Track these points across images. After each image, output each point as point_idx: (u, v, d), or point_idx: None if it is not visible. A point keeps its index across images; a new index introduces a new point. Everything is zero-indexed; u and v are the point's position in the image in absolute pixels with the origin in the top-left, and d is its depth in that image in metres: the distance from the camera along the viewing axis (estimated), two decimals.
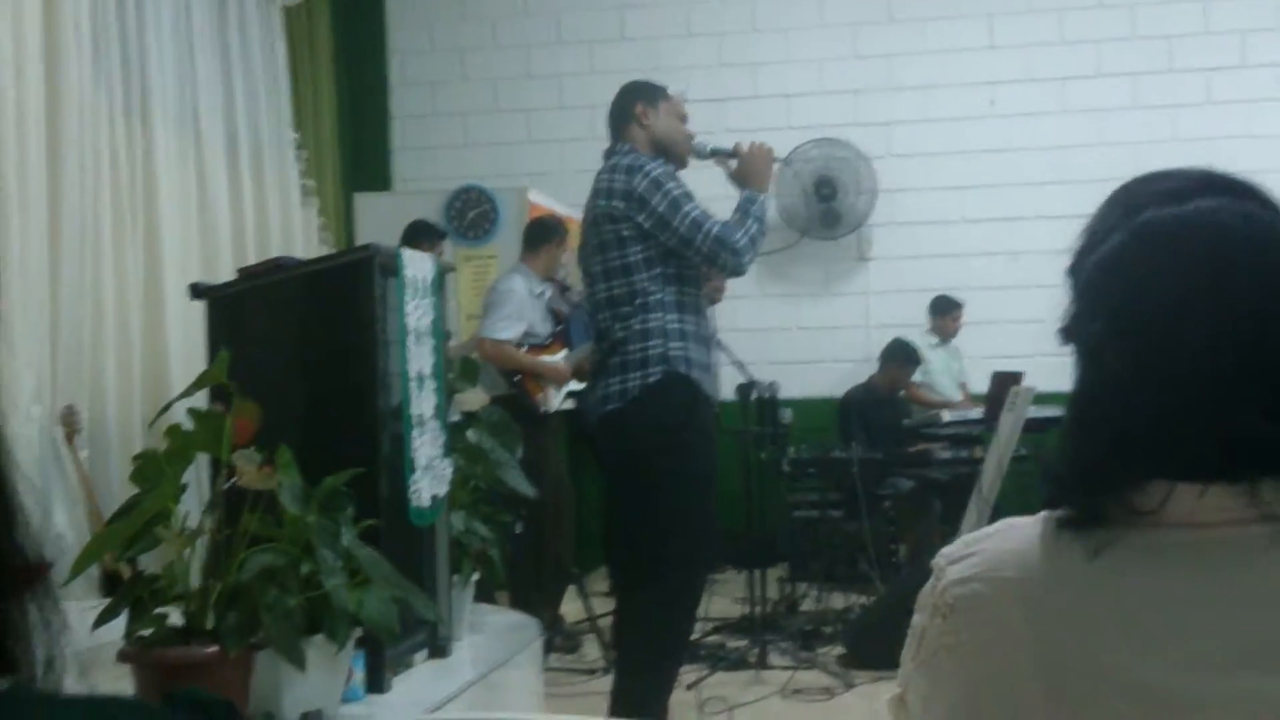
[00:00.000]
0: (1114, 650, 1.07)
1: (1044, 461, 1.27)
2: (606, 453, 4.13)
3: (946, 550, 1.20)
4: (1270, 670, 1.04)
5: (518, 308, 6.25)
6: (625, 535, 4.07)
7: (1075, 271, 1.20)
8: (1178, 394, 1.08)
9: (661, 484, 3.92)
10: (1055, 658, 1.09)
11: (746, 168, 4.18)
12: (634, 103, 4.15)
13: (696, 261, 3.98)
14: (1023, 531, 1.17)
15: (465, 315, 7.56)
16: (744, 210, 4.07)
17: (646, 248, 3.95)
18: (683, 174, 4.12)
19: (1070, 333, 1.19)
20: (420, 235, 6.46)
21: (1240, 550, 1.07)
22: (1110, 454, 1.11)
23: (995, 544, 1.17)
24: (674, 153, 4.16)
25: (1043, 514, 1.17)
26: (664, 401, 3.92)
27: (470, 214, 7.89)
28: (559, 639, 6.27)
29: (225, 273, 6.16)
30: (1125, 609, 1.08)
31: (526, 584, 6.17)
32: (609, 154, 4.13)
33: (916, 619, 1.21)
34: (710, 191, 4.35)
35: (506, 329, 6.20)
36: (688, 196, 3.97)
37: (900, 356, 8.02)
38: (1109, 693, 1.07)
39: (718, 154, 4.26)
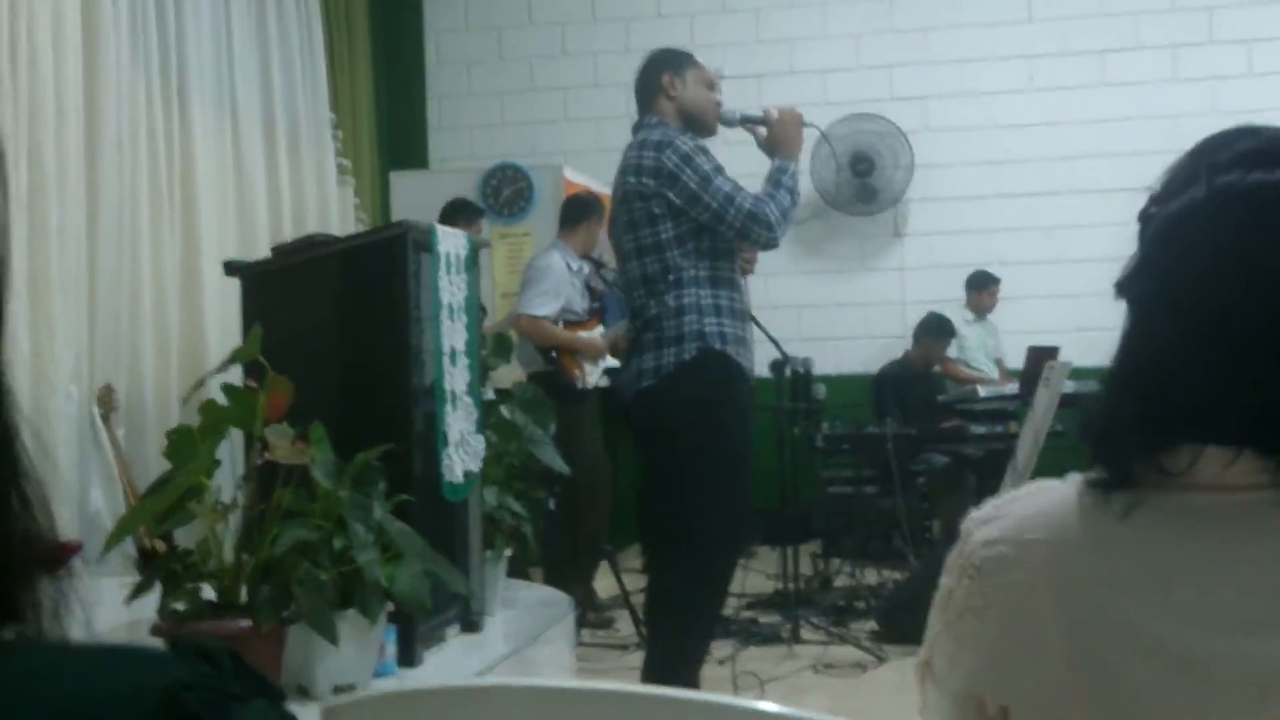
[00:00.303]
0: (1138, 611, 1.08)
1: (1084, 415, 1.27)
2: (641, 429, 4.11)
3: (975, 513, 1.21)
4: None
5: (555, 284, 6.27)
6: (658, 512, 4.04)
7: (1145, 219, 1.18)
8: (1221, 360, 1.08)
9: (695, 461, 3.89)
10: (1080, 619, 1.10)
11: (776, 135, 4.11)
12: (660, 73, 4.08)
13: (729, 237, 3.94)
14: (1051, 494, 1.18)
15: (500, 293, 7.58)
16: (775, 181, 4.02)
17: (678, 224, 3.91)
18: (714, 148, 4.09)
19: (1124, 287, 1.17)
20: (458, 213, 6.49)
21: (1265, 515, 1.08)
22: (1144, 412, 1.11)
23: (1024, 506, 1.18)
24: (702, 122, 4.10)
25: (1072, 476, 1.18)
26: (699, 378, 3.89)
27: (505, 192, 7.90)
28: (592, 615, 6.30)
29: (261, 252, 6.16)
30: (1151, 570, 1.09)
31: (561, 560, 6.20)
32: (637, 127, 4.09)
33: (944, 581, 1.22)
34: (743, 169, 4.32)
35: (544, 305, 6.22)
36: (718, 171, 3.92)
37: (934, 330, 8.01)
38: (1132, 653, 1.07)
39: (748, 121, 4.18)
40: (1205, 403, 1.08)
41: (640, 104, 4.13)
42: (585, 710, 1.22)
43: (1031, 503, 1.18)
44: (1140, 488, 1.11)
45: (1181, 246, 1.12)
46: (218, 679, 0.73)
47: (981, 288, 8.39)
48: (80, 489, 5.22)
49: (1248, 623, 1.06)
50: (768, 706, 1.18)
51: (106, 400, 5.36)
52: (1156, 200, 1.18)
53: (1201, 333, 1.09)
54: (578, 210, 6.53)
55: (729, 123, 4.17)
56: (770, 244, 4.00)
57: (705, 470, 3.89)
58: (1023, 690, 1.14)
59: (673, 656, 3.90)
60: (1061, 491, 1.17)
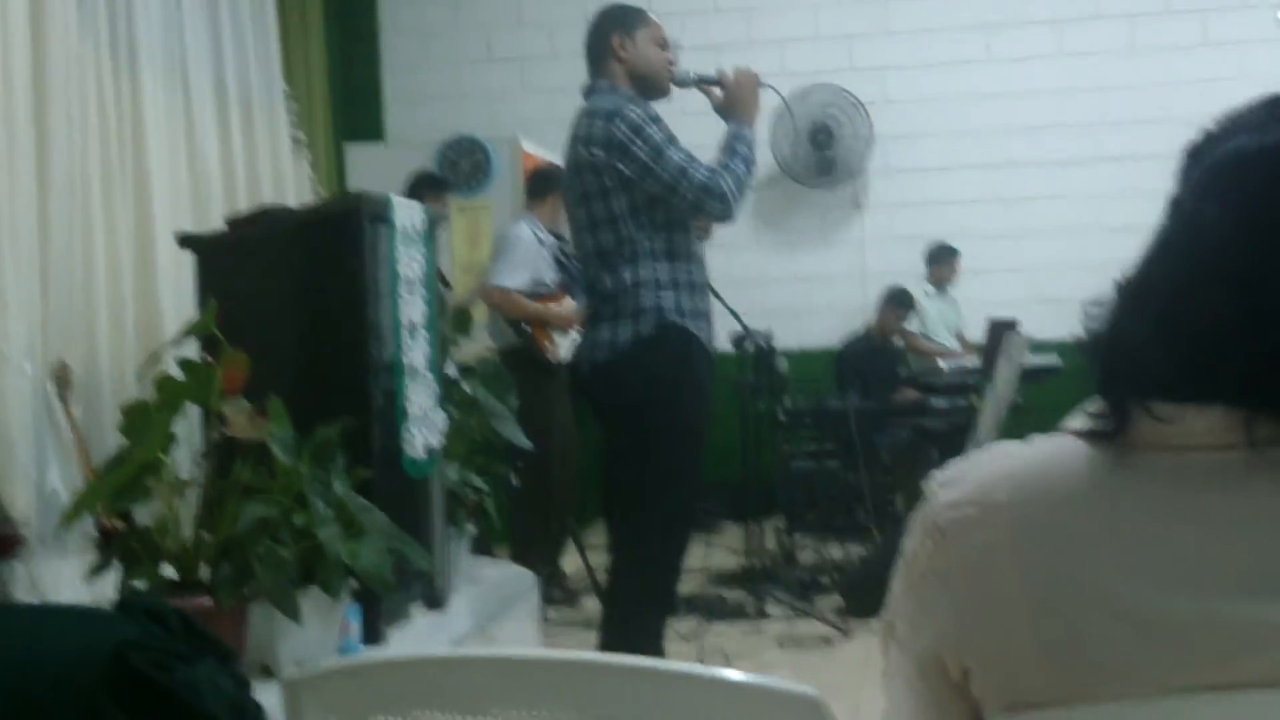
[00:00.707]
0: (1102, 573, 1.07)
1: (1092, 329, 1.25)
2: (598, 404, 4.03)
3: (938, 474, 1.20)
4: (1257, 595, 1.03)
5: (524, 256, 6.24)
6: (615, 486, 3.96)
7: (1199, 154, 1.14)
8: (1234, 309, 1.06)
9: (652, 437, 3.80)
10: (1043, 580, 1.08)
11: (732, 97, 3.96)
12: (610, 34, 3.93)
13: (683, 210, 3.83)
14: (1015, 456, 1.16)
15: (460, 266, 7.52)
16: (730, 149, 3.88)
17: (631, 196, 3.79)
18: (667, 112, 3.99)
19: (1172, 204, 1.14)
20: (424, 186, 6.45)
21: (1233, 476, 1.06)
22: (1156, 334, 1.09)
23: (987, 468, 1.16)
24: (655, 84, 3.96)
25: (1035, 439, 1.17)
26: (656, 353, 3.79)
27: (463, 164, 7.84)
28: (557, 592, 6.27)
29: (216, 224, 6.03)
30: (1115, 532, 1.08)
31: (530, 536, 6.17)
32: (587, 92, 3.97)
33: (907, 543, 1.20)
34: (699, 139, 4.23)
35: (514, 277, 6.19)
36: (670, 141, 3.79)
37: (893, 300, 8.07)
38: (1096, 615, 1.06)
39: (702, 82, 4.01)
40: (1187, 357, 1.07)
41: (590, 66, 3.99)
42: (547, 680, 1.19)
43: (995, 465, 1.16)
44: (1113, 447, 1.10)
45: (1228, 187, 1.09)
46: (164, 638, 0.71)
47: (941, 261, 8.40)
48: (37, 468, 5.13)
49: (1212, 584, 1.04)
50: (730, 674, 1.16)
51: (62, 377, 5.26)
52: (1217, 138, 1.14)
53: (1221, 276, 1.07)
54: (544, 183, 6.48)
55: (682, 83, 4.01)
56: (725, 217, 3.89)
57: (661, 446, 3.80)
58: (985, 652, 1.12)
59: (631, 631, 3.84)
60: (1025, 453, 1.16)
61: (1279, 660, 1.03)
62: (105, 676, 0.67)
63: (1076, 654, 1.07)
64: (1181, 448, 1.08)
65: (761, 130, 6.99)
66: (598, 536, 6.80)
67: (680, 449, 3.83)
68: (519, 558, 5.80)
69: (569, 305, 6.28)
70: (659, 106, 3.97)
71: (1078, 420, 1.17)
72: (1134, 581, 1.06)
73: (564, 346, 6.24)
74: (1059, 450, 1.15)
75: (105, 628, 0.70)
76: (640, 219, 3.81)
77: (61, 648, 0.68)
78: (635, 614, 3.88)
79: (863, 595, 5.52)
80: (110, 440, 5.18)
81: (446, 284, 6.51)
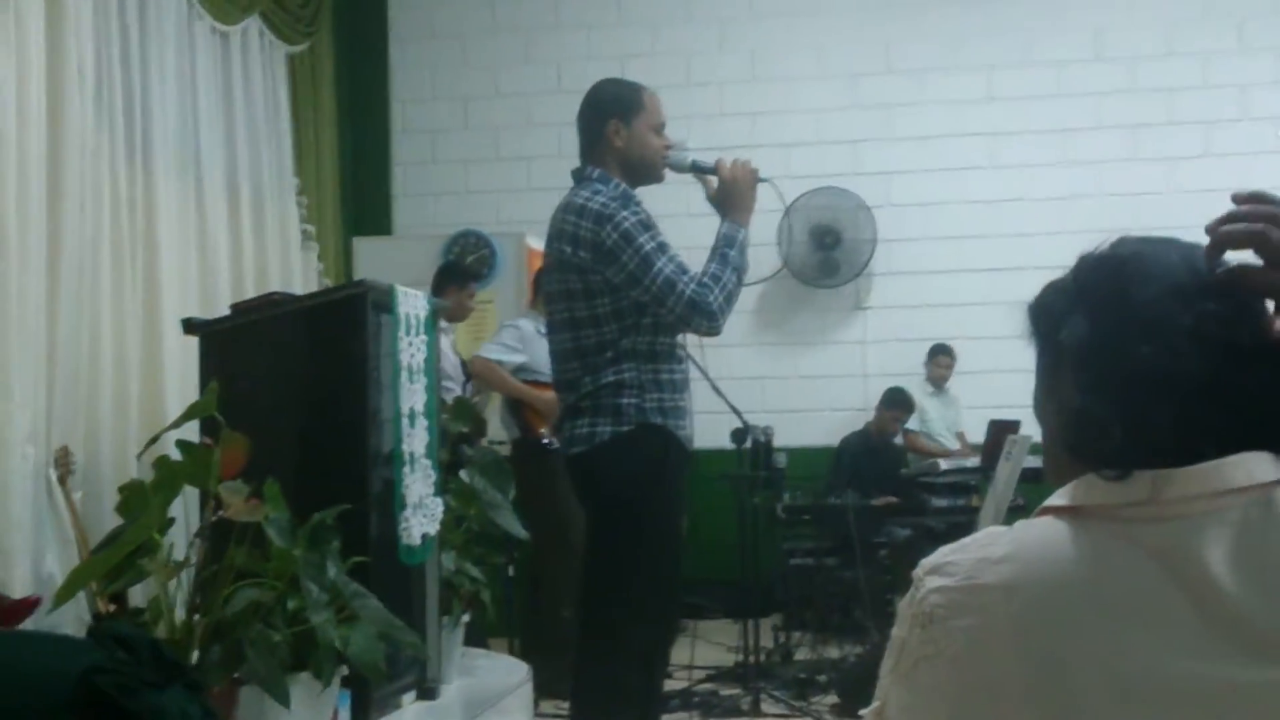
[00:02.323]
0: (1098, 646, 1.09)
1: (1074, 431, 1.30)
2: (577, 495, 3.91)
3: (925, 561, 1.21)
4: (1257, 656, 1.06)
5: (519, 339, 6.32)
6: (587, 578, 3.84)
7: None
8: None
9: (621, 536, 3.69)
10: (1038, 660, 1.10)
11: (727, 189, 3.82)
12: (606, 120, 3.81)
13: (669, 320, 3.70)
14: (1001, 539, 1.18)
15: (464, 360, 7.56)
16: (722, 256, 3.75)
17: (615, 300, 3.67)
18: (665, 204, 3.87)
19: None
20: (450, 277, 6.58)
21: (1215, 535, 1.10)
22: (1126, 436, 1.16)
23: (972, 553, 1.18)
24: (648, 173, 3.86)
25: (1020, 523, 1.20)
26: (634, 452, 3.66)
27: (469, 259, 7.91)
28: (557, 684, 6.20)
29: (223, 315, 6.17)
30: (1107, 604, 1.10)
31: (533, 626, 6.13)
32: (577, 176, 3.86)
33: (896, 631, 1.21)
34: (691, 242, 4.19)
35: (500, 353, 6.29)
36: (660, 250, 3.67)
37: (890, 403, 8.12)
38: (1095, 691, 1.08)
39: (698, 169, 3.87)
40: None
41: (583, 147, 3.88)
42: None
43: (980, 548, 1.18)
44: (1094, 518, 1.15)
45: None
46: (132, 665, 0.73)
47: (931, 359, 8.48)
48: (35, 551, 5.13)
49: (1210, 649, 1.07)
50: None
51: (63, 462, 5.29)
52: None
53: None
54: (540, 278, 6.56)
55: (678, 168, 3.88)
56: (711, 333, 3.74)
57: (632, 545, 3.69)
58: None
59: None
60: (1010, 536, 1.18)
61: None
62: (73, 700, 0.69)
63: None
64: (1162, 517, 1.12)
65: (769, 230, 7.06)
66: None
67: (654, 546, 3.71)
68: (523, 649, 5.77)
69: None
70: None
71: (1057, 499, 1.20)
72: (1131, 653, 1.08)
73: None
74: (1043, 531, 1.17)
75: (74, 652, 0.72)
76: (625, 322, 3.68)
77: (30, 670, 0.70)
78: (599, 711, 3.70)
79: (860, 693, 5.47)
80: (109, 524, 5.18)
81: (468, 376, 6.55)
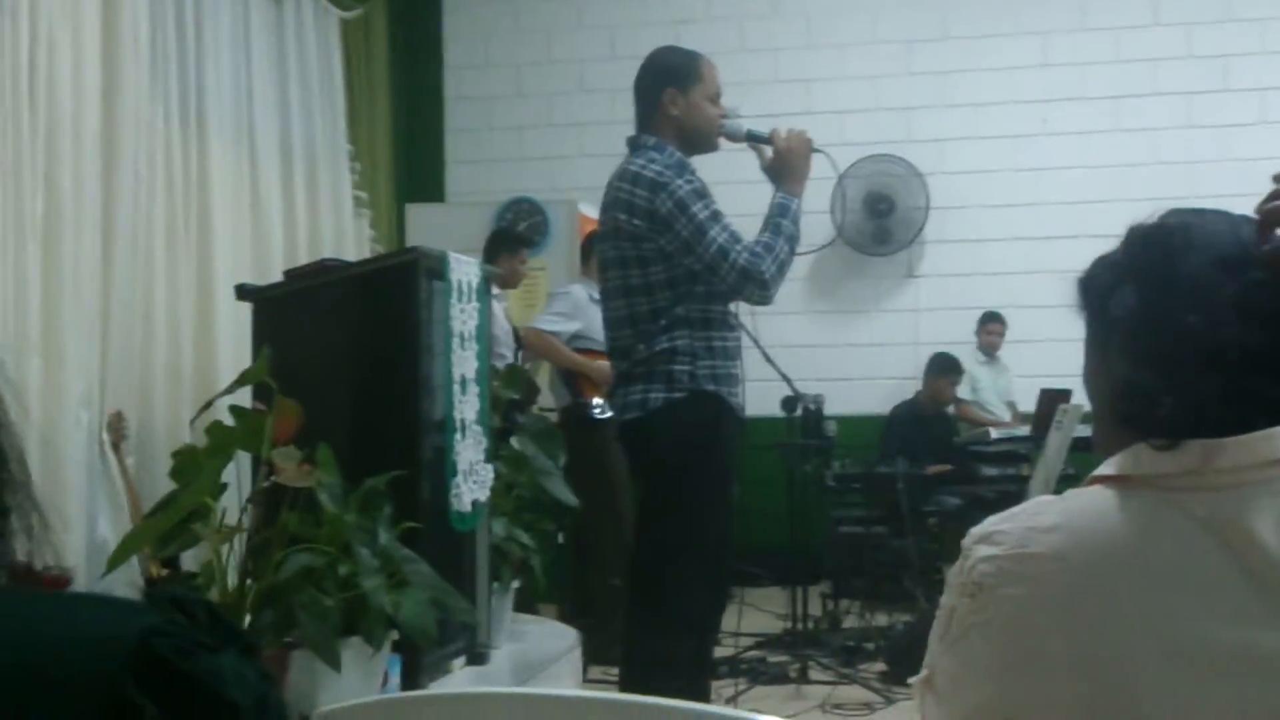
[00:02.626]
0: (1147, 613, 1.09)
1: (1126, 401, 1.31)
2: (629, 462, 3.99)
3: (974, 530, 1.22)
4: None
5: (572, 307, 6.32)
6: (639, 545, 3.88)
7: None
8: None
9: (674, 502, 3.74)
10: (1087, 629, 1.11)
11: (782, 159, 3.84)
12: (663, 88, 3.82)
13: (721, 289, 3.73)
14: (1049, 508, 1.19)
15: (515, 326, 7.58)
16: (775, 226, 3.78)
17: (670, 267, 3.71)
18: (719, 171, 3.91)
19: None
20: (502, 243, 6.60)
21: (1262, 502, 1.10)
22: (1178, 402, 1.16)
23: (1022, 521, 1.19)
24: (704, 141, 3.88)
25: (1070, 492, 1.21)
26: (686, 417, 3.70)
27: (522, 225, 7.93)
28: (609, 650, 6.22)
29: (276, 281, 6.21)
30: (1155, 572, 1.11)
31: (582, 593, 6.17)
32: (633, 144, 3.88)
33: (945, 600, 1.22)
34: (745, 209, 4.17)
35: (554, 323, 6.30)
36: (714, 219, 3.69)
37: (939, 367, 8.09)
38: (1144, 657, 1.08)
39: (753, 138, 3.90)
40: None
41: (639, 115, 3.90)
42: (577, 718, 1.21)
43: (1028, 518, 1.19)
44: (1142, 486, 1.16)
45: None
46: (189, 627, 0.74)
47: (982, 326, 8.43)
48: (89, 517, 5.21)
49: (1257, 614, 1.07)
50: (766, 719, 1.17)
51: (116, 427, 5.35)
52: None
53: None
54: (592, 245, 6.57)
55: (733, 137, 3.91)
56: (763, 301, 3.77)
57: (684, 512, 3.73)
58: (1030, 704, 1.14)
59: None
60: (1058, 506, 1.19)
61: None
62: (130, 662, 0.70)
63: (1126, 699, 1.09)
64: (1211, 486, 1.12)
65: (823, 198, 7.02)
66: None
67: (704, 513, 3.74)
68: (570, 615, 5.81)
69: None
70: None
71: (1107, 469, 1.20)
72: (1176, 617, 1.08)
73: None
74: (1092, 500, 1.18)
75: (131, 615, 0.74)
76: (678, 290, 3.72)
77: (88, 634, 0.72)
78: (645, 683, 3.66)
79: (907, 661, 5.46)
80: (162, 490, 5.25)
81: (520, 342, 6.58)
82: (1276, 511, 1.10)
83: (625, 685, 3.85)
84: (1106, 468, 1.20)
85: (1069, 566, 1.13)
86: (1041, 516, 1.18)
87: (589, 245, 6.57)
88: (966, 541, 1.22)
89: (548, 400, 6.49)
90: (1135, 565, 1.12)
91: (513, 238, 6.92)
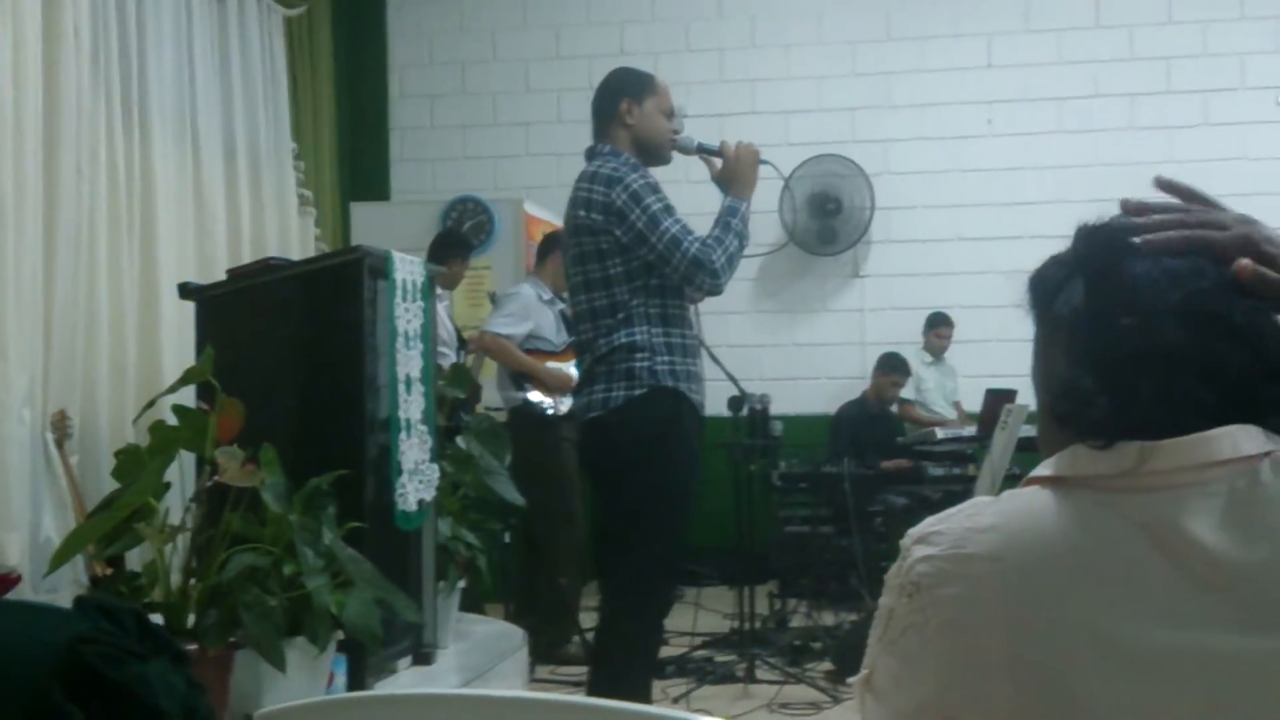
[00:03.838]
0: (1084, 614, 1.10)
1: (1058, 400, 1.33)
2: (589, 461, 4.10)
3: (912, 530, 1.22)
4: (1240, 627, 1.07)
5: (523, 308, 6.32)
6: (603, 544, 4.01)
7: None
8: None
9: (638, 495, 3.83)
10: (1024, 628, 1.11)
11: (731, 170, 4.02)
12: (619, 99, 4.00)
13: (674, 279, 3.87)
14: (987, 509, 1.19)
15: (460, 326, 7.56)
16: (724, 224, 3.93)
17: (627, 260, 3.85)
18: (668, 172, 4.05)
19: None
20: (450, 247, 6.59)
21: (1202, 505, 1.11)
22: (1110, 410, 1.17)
23: (959, 522, 1.19)
24: (657, 153, 4.04)
25: (1007, 493, 1.21)
26: (647, 413, 3.82)
27: (466, 225, 7.90)
28: (549, 649, 6.22)
29: (220, 280, 6.16)
30: (1094, 572, 1.11)
31: (528, 592, 6.17)
32: (590, 154, 4.03)
33: (884, 600, 1.23)
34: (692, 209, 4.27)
35: (507, 325, 6.28)
36: (667, 211, 3.85)
37: (885, 366, 8.13)
38: (1081, 657, 1.09)
39: (703, 151, 4.08)
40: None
41: (596, 128, 4.06)
42: (524, 719, 1.20)
43: (966, 518, 1.19)
44: (1079, 486, 1.16)
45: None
46: (118, 635, 0.74)
47: (934, 328, 8.47)
48: (32, 516, 5.15)
49: (1195, 617, 1.08)
50: None
51: (60, 426, 5.30)
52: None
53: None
54: (546, 245, 6.57)
55: (685, 150, 4.08)
56: (714, 290, 3.92)
57: (648, 504, 3.84)
58: (968, 704, 1.14)
59: (615, 690, 3.83)
60: (996, 506, 1.19)
61: (1264, 692, 1.06)
62: (58, 670, 0.70)
63: (1062, 700, 1.09)
64: (1146, 488, 1.13)
65: (770, 198, 7.05)
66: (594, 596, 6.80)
67: (665, 509, 3.86)
68: (517, 614, 5.79)
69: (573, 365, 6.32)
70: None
71: (1044, 469, 1.21)
72: (1112, 618, 1.08)
73: (564, 402, 6.26)
74: (1029, 501, 1.19)
75: (60, 623, 0.73)
76: (635, 283, 3.85)
77: (16, 641, 0.71)
78: (619, 673, 3.85)
79: (854, 661, 5.43)
80: (106, 489, 5.20)
81: (464, 342, 6.57)
82: (1212, 512, 1.10)
83: (596, 675, 3.96)
84: (1044, 468, 1.21)
85: (1005, 567, 1.14)
86: (979, 517, 1.18)
87: (546, 246, 6.57)
88: (905, 542, 1.22)
89: (494, 400, 6.48)
90: (1071, 566, 1.12)
91: (460, 240, 6.90)
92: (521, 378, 6.32)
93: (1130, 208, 1.26)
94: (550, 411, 6.23)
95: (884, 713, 1.23)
